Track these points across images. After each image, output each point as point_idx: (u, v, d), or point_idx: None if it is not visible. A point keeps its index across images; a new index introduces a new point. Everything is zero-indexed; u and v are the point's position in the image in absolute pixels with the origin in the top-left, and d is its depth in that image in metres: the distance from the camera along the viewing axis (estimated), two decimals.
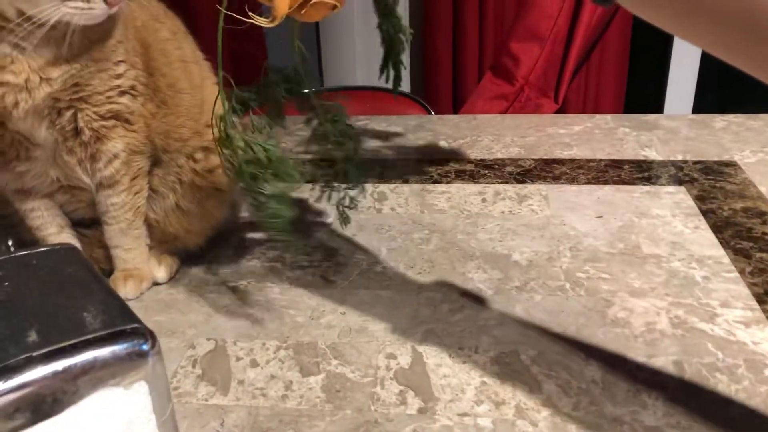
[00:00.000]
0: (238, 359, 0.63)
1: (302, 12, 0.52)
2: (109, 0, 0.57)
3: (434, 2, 1.72)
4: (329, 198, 0.71)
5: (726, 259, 0.74)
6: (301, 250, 0.71)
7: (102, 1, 0.56)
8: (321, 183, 0.72)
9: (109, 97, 0.63)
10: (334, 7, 0.52)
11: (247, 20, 0.50)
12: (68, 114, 0.61)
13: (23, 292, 0.33)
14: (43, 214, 0.69)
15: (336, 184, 0.72)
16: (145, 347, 0.31)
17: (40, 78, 0.58)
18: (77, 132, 0.63)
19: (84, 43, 0.59)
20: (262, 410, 0.57)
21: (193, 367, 0.62)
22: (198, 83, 0.73)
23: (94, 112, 0.63)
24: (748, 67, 0.39)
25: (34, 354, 0.29)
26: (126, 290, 0.71)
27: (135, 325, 0.31)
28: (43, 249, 0.37)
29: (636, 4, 0.42)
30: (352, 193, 0.73)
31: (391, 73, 0.74)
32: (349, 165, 0.67)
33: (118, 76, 0.63)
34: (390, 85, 0.76)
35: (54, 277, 0.35)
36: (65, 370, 0.29)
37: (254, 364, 0.62)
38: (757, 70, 0.38)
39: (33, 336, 0.30)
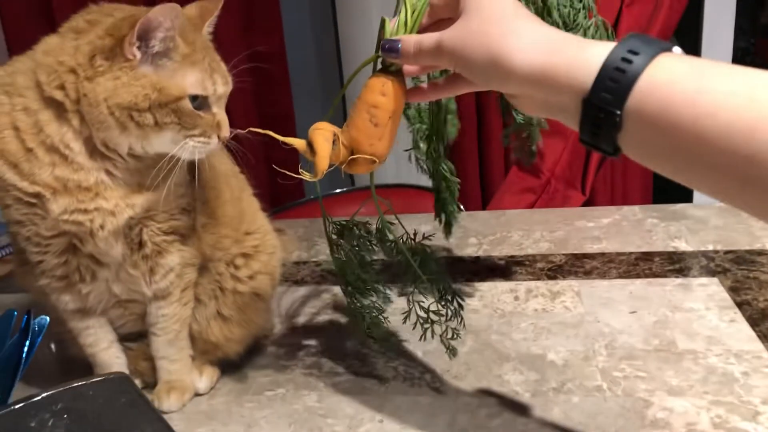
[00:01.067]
0: None
1: (344, 167, 0.58)
2: (221, 136, 0.64)
3: (459, 98, 1.78)
4: (432, 335, 0.74)
5: (765, 354, 0.73)
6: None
7: (216, 137, 0.63)
8: (420, 321, 0.74)
9: (172, 215, 0.68)
10: (374, 161, 0.57)
11: (296, 175, 0.55)
12: (136, 229, 0.66)
13: (82, 424, 0.35)
14: (96, 332, 0.72)
15: (435, 318, 0.74)
16: None
17: (126, 203, 0.63)
18: (141, 245, 0.67)
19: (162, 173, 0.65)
20: None
21: None
22: (237, 195, 0.78)
23: (158, 228, 0.67)
24: (743, 207, 0.43)
25: None
26: (170, 403, 0.72)
27: None
28: (97, 379, 0.39)
29: (642, 159, 0.46)
30: (452, 325, 0.75)
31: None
32: (446, 297, 0.70)
33: (182, 196, 0.68)
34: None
35: (110, 407, 0.37)
36: None
37: None
38: (751, 211, 0.42)
39: None
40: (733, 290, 0.87)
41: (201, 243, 0.71)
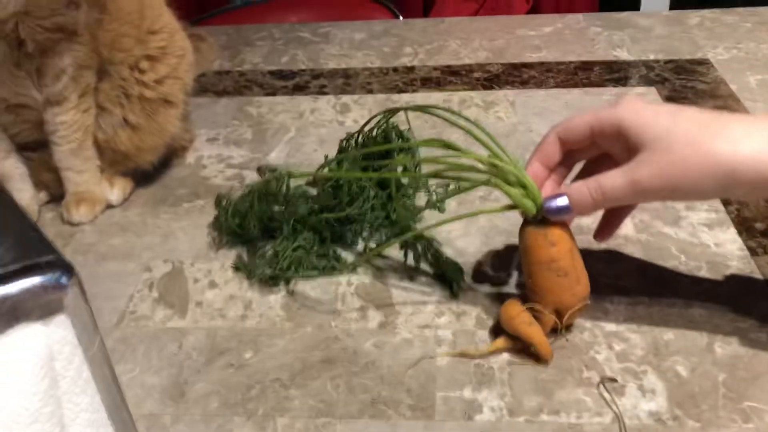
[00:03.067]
0: (196, 281, 0.61)
1: (563, 330, 0.52)
2: None
3: None
4: None
5: None
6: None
7: None
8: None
9: (54, 10, 0.59)
10: (585, 303, 0.52)
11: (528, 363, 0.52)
12: (10, 24, 0.58)
13: None
14: None
15: None
16: (63, 280, 0.29)
17: None
18: (21, 43, 0.59)
19: None
20: (220, 331, 0.56)
21: (150, 290, 0.61)
22: None
23: (39, 25, 0.59)
24: None
25: None
26: (80, 214, 0.69)
27: (51, 258, 0.29)
28: None
29: None
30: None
31: None
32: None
33: None
34: None
35: None
36: None
37: (212, 285, 0.61)
38: None
39: None
40: (669, 99, 0.85)
41: (96, 42, 0.64)
